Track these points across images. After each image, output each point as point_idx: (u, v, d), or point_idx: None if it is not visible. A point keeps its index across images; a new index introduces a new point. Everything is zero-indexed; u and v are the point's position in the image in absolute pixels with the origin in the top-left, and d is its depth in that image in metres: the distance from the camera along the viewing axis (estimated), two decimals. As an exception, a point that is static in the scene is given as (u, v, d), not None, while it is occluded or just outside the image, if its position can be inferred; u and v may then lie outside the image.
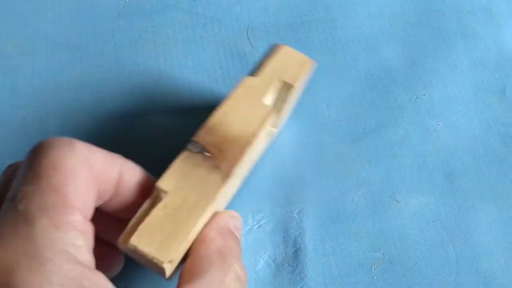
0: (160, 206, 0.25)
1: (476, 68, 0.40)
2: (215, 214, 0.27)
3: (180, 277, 0.24)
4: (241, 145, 0.27)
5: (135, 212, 0.25)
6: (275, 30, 0.41)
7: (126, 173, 0.25)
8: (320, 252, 0.33)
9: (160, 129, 0.36)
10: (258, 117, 0.29)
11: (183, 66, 0.39)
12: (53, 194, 0.21)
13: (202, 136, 0.27)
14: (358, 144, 0.36)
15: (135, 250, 0.23)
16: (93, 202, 0.23)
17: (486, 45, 0.41)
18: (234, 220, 0.28)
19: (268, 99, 0.30)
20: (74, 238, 0.21)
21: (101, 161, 0.24)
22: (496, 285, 0.32)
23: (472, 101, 0.39)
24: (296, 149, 0.36)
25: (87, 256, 0.21)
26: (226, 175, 0.26)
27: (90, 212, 0.23)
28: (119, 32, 0.40)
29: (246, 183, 0.34)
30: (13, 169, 0.24)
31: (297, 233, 0.33)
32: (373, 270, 0.32)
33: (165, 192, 0.25)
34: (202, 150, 0.27)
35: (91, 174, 0.23)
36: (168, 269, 0.24)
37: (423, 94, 0.39)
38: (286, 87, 0.30)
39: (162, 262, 0.23)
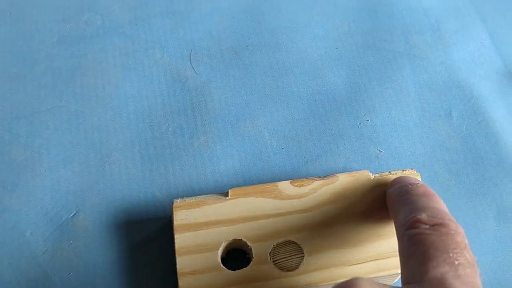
0: None
1: (422, 90, 0.39)
2: None
3: None
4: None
5: None
6: (219, 54, 0.40)
7: None
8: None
9: (99, 162, 0.35)
10: None
11: (122, 94, 0.38)
12: None
13: None
14: (298, 174, 0.36)
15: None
16: None
17: (433, 67, 0.40)
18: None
19: None
20: None
21: None
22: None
23: (417, 126, 0.38)
24: (236, 180, 0.35)
25: None
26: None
27: None
28: (58, 60, 0.39)
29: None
30: None
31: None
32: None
33: None
34: None
35: None
36: (176, 202, 0.30)
37: (366, 120, 0.38)
38: None
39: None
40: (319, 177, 0.32)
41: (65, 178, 0.35)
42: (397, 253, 0.30)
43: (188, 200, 0.30)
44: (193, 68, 0.40)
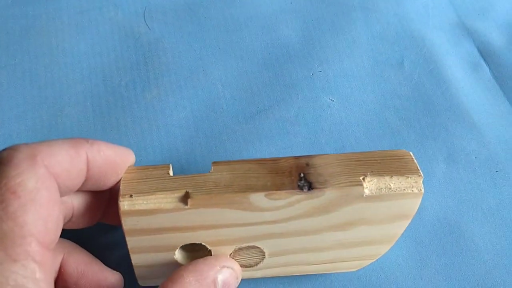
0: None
1: (375, 41, 0.40)
2: (209, 257, 0.25)
3: None
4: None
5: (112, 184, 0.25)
6: (173, 11, 0.41)
7: (94, 157, 0.23)
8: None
9: (52, 116, 0.36)
10: None
11: (75, 51, 0.38)
12: (10, 222, 0.19)
13: None
14: (251, 123, 0.36)
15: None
16: (55, 223, 0.21)
17: (386, 18, 0.41)
18: (226, 273, 0.25)
19: None
20: (32, 271, 0.19)
21: (65, 160, 0.22)
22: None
23: (369, 75, 0.38)
24: (188, 130, 0.36)
25: None
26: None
27: (52, 235, 0.21)
28: (13, 20, 0.40)
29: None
30: None
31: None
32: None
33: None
34: None
35: (53, 190, 0.21)
36: (123, 207, 0.24)
37: (318, 71, 0.38)
38: None
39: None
40: (300, 189, 0.24)
41: (18, 133, 0.35)
42: (358, 258, 0.28)
43: (139, 205, 0.24)
44: (147, 25, 0.40)
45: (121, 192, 0.24)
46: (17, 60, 0.38)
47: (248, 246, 0.26)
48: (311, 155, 0.26)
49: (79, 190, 0.25)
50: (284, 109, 0.36)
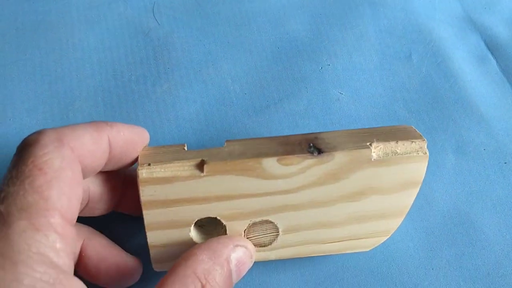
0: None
1: (383, 35, 0.40)
2: (223, 236, 0.26)
3: None
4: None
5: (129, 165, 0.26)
6: (182, 6, 0.41)
7: (114, 139, 0.25)
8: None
9: (63, 110, 0.36)
10: None
11: (85, 46, 0.39)
12: (36, 195, 0.20)
13: None
14: (261, 116, 0.36)
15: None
16: (78, 201, 0.22)
17: (393, 13, 0.41)
18: (239, 251, 0.25)
19: None
20: (53, 241, 0.20)
21: (90, 143, 0.23)
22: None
23: (377, 69, 0.38)
24: (199, 124, 0.36)
25: (65, 260, 0.20)
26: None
27: (74, 212, 0.22)
28: (23, 16, 0.40)
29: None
30: None
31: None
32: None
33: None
34: None
35: (77, 171, 0.22)
36: (142, 174, 0.24)
37: (327, 65, 0.38)
38: None
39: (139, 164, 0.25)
40: (311, 154, 0.25)
41: (29, 127, 0.35)
42: (372, 235, 0.28)
43: (156, 173, 0.25)
44: (156, 20, 0.40)
45: (139, 162, 0.25)
46: (27, 55, 0.38)
47: (262, 221, 0.27)
48: (319, 132, 0.27)
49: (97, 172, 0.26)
50: (294, 103, 0.37)
